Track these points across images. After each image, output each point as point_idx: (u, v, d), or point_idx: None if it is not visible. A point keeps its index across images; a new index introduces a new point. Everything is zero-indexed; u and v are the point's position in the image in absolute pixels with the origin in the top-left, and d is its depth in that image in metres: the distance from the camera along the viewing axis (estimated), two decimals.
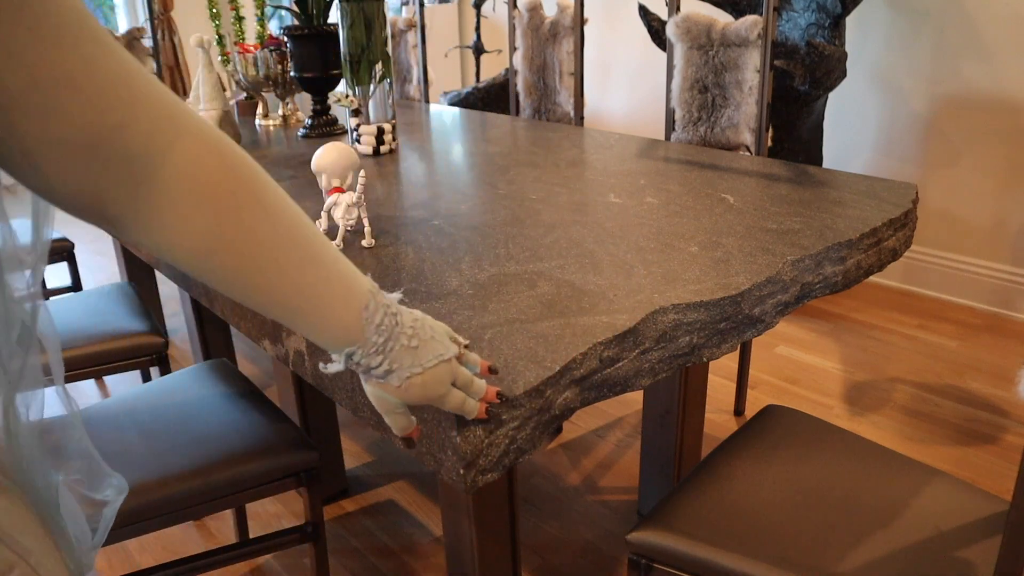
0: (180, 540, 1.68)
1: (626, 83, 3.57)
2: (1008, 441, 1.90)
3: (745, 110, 1.82)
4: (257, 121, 2.14)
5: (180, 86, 4.66)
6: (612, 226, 1.14)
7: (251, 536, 1.65)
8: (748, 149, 1.83)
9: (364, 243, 1.10)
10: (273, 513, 1.76)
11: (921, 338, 2.44)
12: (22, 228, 0.52)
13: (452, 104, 3.24)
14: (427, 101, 2.53)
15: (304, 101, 2.45)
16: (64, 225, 3.45)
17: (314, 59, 1.83)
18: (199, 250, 0.53)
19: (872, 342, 2.42)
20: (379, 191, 1.39)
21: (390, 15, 2.47)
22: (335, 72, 1.86)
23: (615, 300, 0.88)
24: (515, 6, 2.25)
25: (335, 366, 0.62)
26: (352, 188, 1.16)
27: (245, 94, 2.23)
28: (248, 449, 1.18)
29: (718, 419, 2.07)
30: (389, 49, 1.66)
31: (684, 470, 1.65)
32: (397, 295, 0.64)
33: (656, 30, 2.35)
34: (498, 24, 4.01)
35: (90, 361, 1.56)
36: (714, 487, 1.03)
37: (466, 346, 0.70)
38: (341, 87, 1.79)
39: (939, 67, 2.56)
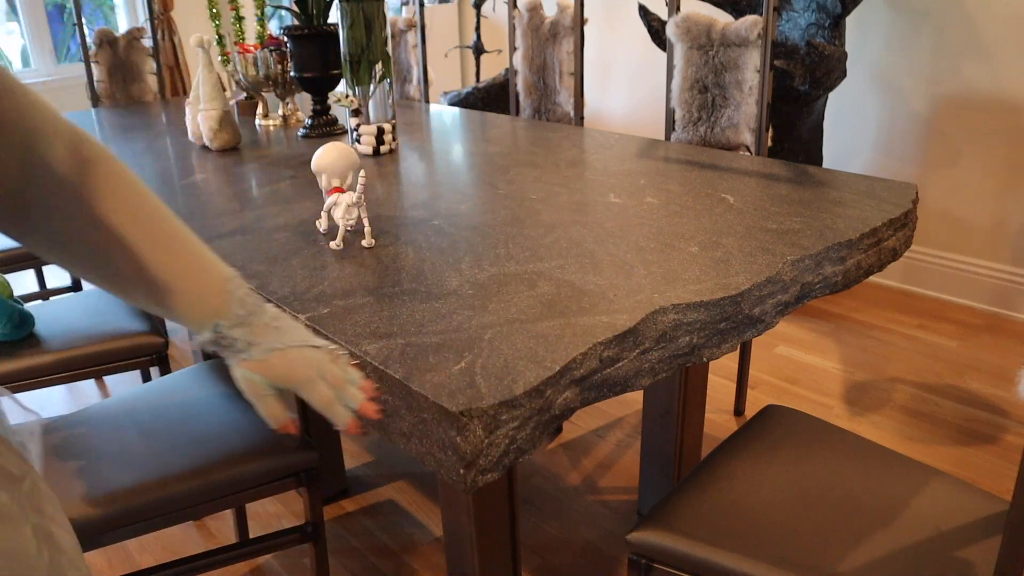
0: (180, 540, 1.68)
1: (626, 83, 3.57)
2: (1008, 441, 1.90)
3: (745, 110, 1.82)
4: (257, 121, 2.14)
5: (180, 86, 4.66)
6: (612, 226, 1.14)
7: (251, 536, 1.65)
8: (748, 149, 1.83)
9: (364, 243, 1.10)
10: (273, 513, 1.76)
11: (921, 338, 2.44)
12: None
13: (452, 104, 3.24)
14: (427, 101, 2.53)
15: (304, 101, 2.45)
16: None
17: (314, 59, 1.83)
18: (63, 239, 0.58)
19: (872, 342, 2.42)
20: (379, 191, 1.39)
21: (390, 15, 2.47)
22: (335, 72, 1.86)
23: (615, 300, 0.88)
24: (515, 6, 2.25)
25: (201, 338, 0.65)
26: (352, 188, 1.16)
27: (245, 94, 2.23)
28: (248, 449, 1.18)
29: (718, 419, 2.06)
30: (389, 49, 1.66)
31: (684, 470, 1.65)
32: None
33: (656, 30, 2.35)
34: (498, 24, 4.01)
35: (90, 361, 1.56)
36: (714, 487, 1.03)
37: (355, 364, 0.73)
38: (341, 87, 1.79)
39: (939, 67, 2.56)
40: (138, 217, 0.60)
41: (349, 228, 1.10)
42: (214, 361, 1.46)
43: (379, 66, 1.63)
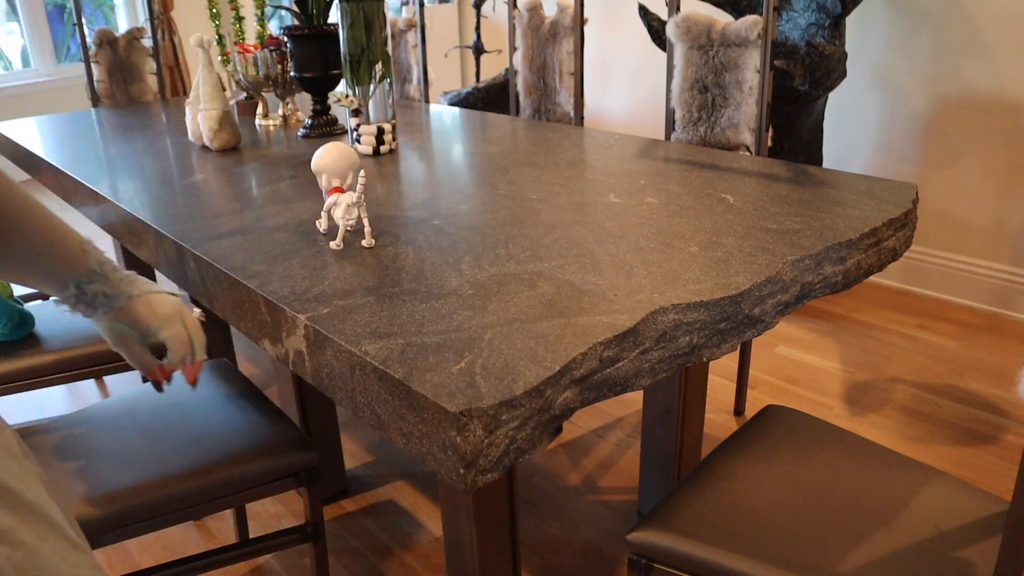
0: (180, 540, 1.68)
1: (626, 83, 3.57)
2: (1008, 441, 1.90)
3: (745, 110, 1.82)
4: (257, 121, 2.14)
5: (180, 86, 4.66)
6: (612, 226, 1.14)
7: (251, 536, 1.65)
8: (748, 149, 1.83)
9: (364, 243, 1.10)
10: (273, 513, 1.76)
11: (921, 338, 2.44)
12: None
13: (452, 104, 3.24)
14: (427, 101, 2.53)
15: (304, 101, 2.45)
16: None
17: (314, 59, 1.83)
18: None
19: (872, 342, 2.42)
20: (379, 191, 1.39)
21: (390, 15, 2.47)
22: (335, 72, 1.86)
23: (615, 300, 0.88)
24: (515, 6, 2.25)
25: (65, 307, 0.73)
26: (352, 188, 1.16)
27: (245, 94, 2.23)
28: (248, 449, 1.18)
29: (718, 419, 2.07)
30: (389, 49, 1.66)
31: (684, 470, 1.65)
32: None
33: (656, 30, 2.35)
34: (498, 24, 4.00)
35: (90, 361, 1.56)
36: (714, 487, 1.03)
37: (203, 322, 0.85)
38: (341, 87, 1.79)
39: (939, 67, 2.56)
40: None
41: (349, 228, 1.10)
42: (215, 361, 1.46)
43: (379, 66, 1.63)
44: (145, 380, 0.78)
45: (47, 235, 0.69)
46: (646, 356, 0.84)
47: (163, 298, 0.76)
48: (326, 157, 1.13)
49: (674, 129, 1.97)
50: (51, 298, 0.81)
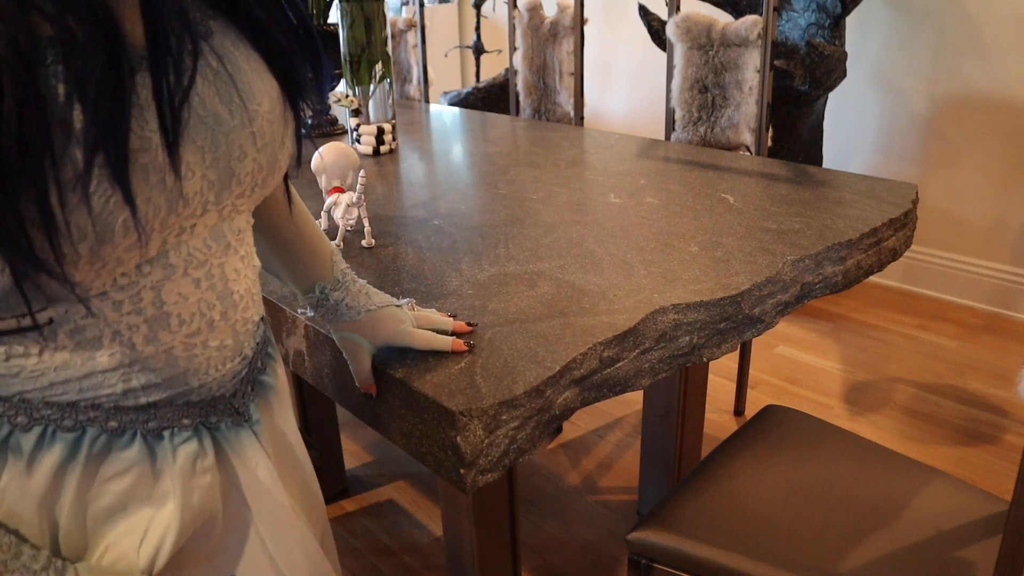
0: None
1: (626, 83, 3.57)
2: (1008, 441, 1.90)
3: (745, 110, 1.82)
4: None
5: None
6: (612, 226, 1.14)
7: None
8: (748, 149, 1.83)
9: (364, 243, 1.10)
10: None
11: (921, 338, 2.44)
12: None
13: (452, 104, 3.24)
14: (427, 101, 2.53)
15: None
16: None
17: None
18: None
19: (872, 342, 2.42)
20: (379, 191, 1.39)
21: (390, 15, 2.47)
22: (335, 72, 1.86)
23: (615, 300, 0.88)
24: (515, 6, 2.25)
25: (308, 308, 0.78)
26: (352, 188, 1.16)
27: None
28: None
29: (718, 419, 2.07)
30: (389, 49, 1.66)
31: (684, 470, 1.65)
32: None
33: (656, 30, 2.35)
34: (498, 24, 4.00)
35: None
36: (714, 487, 1.03)
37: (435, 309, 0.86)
38: (341, 87, 1.79)
39: (939, 67, 2.56)
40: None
41: (349, 228, 1.10)
42: None
43: (379, 66, 1.63)
44: (359, 390, 0.79)
45: (311, 235, 0.76)
46: (646, 356, 0.84)
47: (391, 313, 0.77)
48: (326, 157, 1.13)
49: (674, 129, 1.97)
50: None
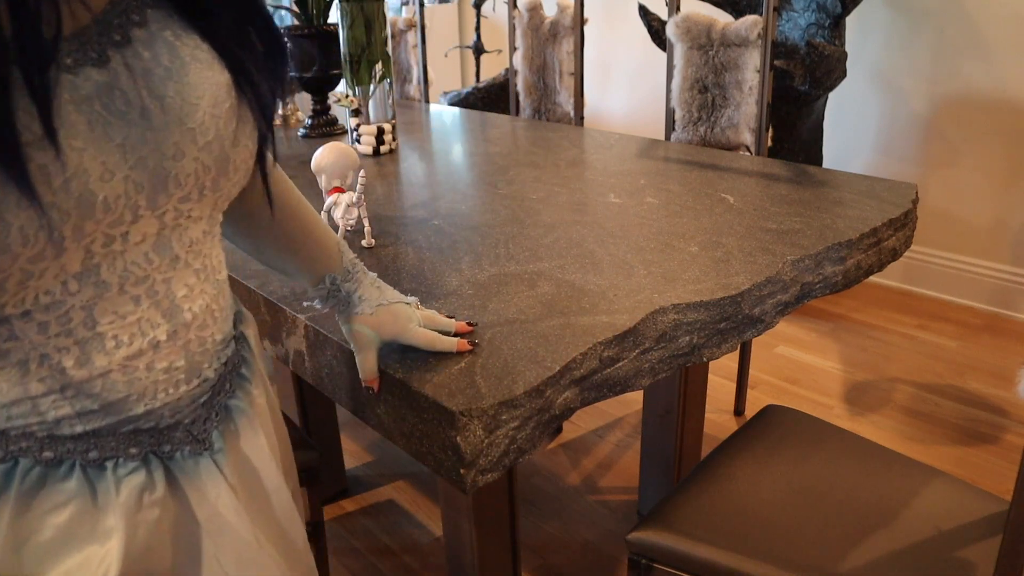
0: None
1: (626, 83, 3.57)
2: (1008, 441, 1.90)
3: (745, 110, 1.82)
4: None
5: None
6: (612, 226, 1.14)
7: None
8: (748, 149, 1.83)
9: (364, 243, 1.09)
10: None
11: (921, 338, 2.44)
12: None
13: (452, 104, 3.24)
14: (427, 101, 2.53)
15: (304, 101, 2.45)
16: None
17: (314, 59, 1.83)
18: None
19: (872, 342, 2.42)
20: (379, 191, 1.39)
21: (390, 15, 2.47)
22: (335, 72, 1.86)
23: (615, 300, 0.88)
24: (515, 6, 2.24)
25: (317, 300, 0.76)
26: (352, 188, 1.16)
27: None
28: None
29: (718, 419, 2.07)
30: (389, 49, 1.66)
31: (684, 470, 1.64)
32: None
33: (656, 30, 2.35)
34: (498, 24, 4.00)
35: None
36: (714, 487, 1.03)
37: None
38: (341, 87, 1.79)
39: (939, 67, 2.56)
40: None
41: (349, 228, 1.10)
42: None
43: (379, 66, 1.63)
44: (362, 384, 0.77)
45: (313, 228, 0.74)
46: (646, 356, 0.84)
47: (401, 310, 0.75)
48: (326, 157, 1.13)
49: (674, 129, 1.97)
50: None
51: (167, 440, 0.56)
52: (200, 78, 0.50)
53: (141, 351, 0.52)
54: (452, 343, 0.77)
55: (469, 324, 0.81)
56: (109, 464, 0.52)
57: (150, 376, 0.53)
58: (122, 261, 0.50)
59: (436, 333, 0.77)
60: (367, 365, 0.75)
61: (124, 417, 0.53)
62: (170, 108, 0.48)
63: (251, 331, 0.69)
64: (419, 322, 0.77)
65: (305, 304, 0.80)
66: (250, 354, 0.67)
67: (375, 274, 0.78)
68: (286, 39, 1.87)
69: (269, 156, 0.61)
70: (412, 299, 0.79)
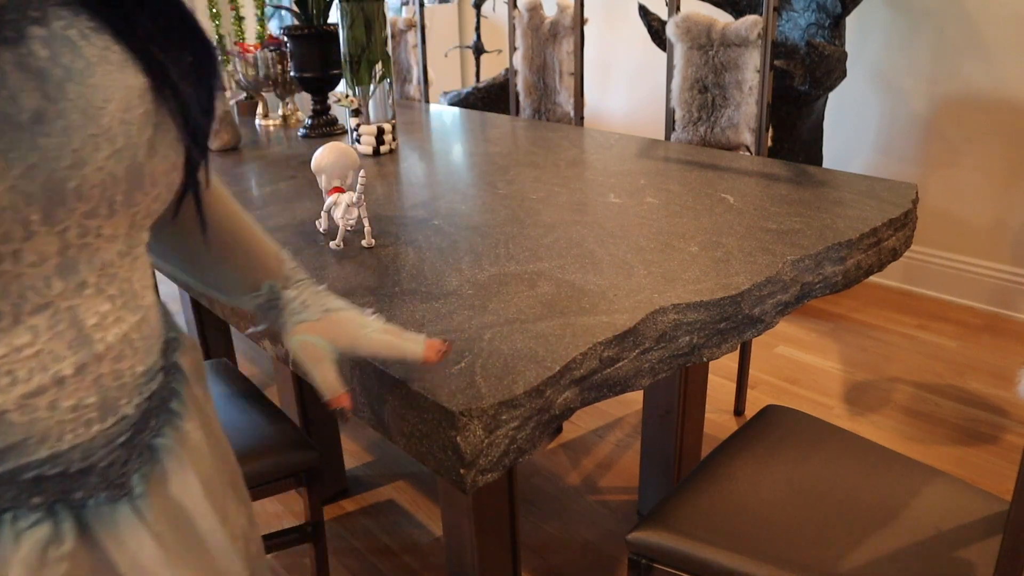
0: None
1: (626, 83, 3.57)
2: (1008, 441, 1.90)
3: (745, 110, 1.82)
4: (257, 121, 2.14)
5: None
6: (612, 226, 1.14)
7: None
8: (748, 149, 1.83)
9: (364, 243, 1.10)
10: (273, 513, 1.76)
11: (921, 338, 2.44)
12: None
13: (452, 104, 3.24)
14: (427, 101, 2.53)
15: (304, 101, 2.45)
16: None
17: (314, 59, 1.83)
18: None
19: (872, 342, 2.42)
20: (379, 191, 1.39)
21: (390, 15, 2.47)
22: (335, 72, 1.86)
23: (615, 300, 0.88)
24: (515, 6, 2.24)
25: (256, 310, 0.70)
26: (352, 188, 1.16)
27: (245, 94, 2.23)
28: (248, 449, 1.18)
29: (718, 419, 2.06)
30: (389, 49, 1.66)
31: (684, 470, 1.65)
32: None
33: (656, 30, 2.35)
34: (498, 24, 4.00)
35: None
36: (714, 487, 1.03)
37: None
38: (341, 87, 1.79)
39: (939, 67, 2.56)
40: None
41: (349, 228, 1.10)
42: (214, 361, 1.45)
43: (379, 66, 1.63)
44: (328, 407, 0.68)
45: (251, 239, 0.68)
46: (646, 356, 0.84)
47: (354, 317, 0.68)
48: (326, 157, 1.13)
49: (674, 129, 1.97)
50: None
51: (79, 486, 0.49)
52: (108, 80, 0.45)
53: (42, 388, 0.46)
54: (419, 346, 0.68)
55: (444, 341, 0.71)
56: (7, 516, 0.46)
57: (54, 416, 0.47)
58: (17, 285, 0.44)
59: (399, 340, 0.69)
60: (328, 379, 0.68)
61: (24, 463, 0.46)
62: (69, 112, 0.43)
63: (187, 359, 0.61)
64: (378, 329, 0.69)
65: (250, 331, 0.74)
66: (184, 385, 0.59)
67: (325, 288, 0.72)
68: (286, 39, 1.87)
69: (205, 177, 0.56)
70: (369, 311, 0.72)
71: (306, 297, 0.69)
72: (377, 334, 0.68)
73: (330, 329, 0.67)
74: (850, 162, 2.86)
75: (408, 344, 0.68)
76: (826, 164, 2.88)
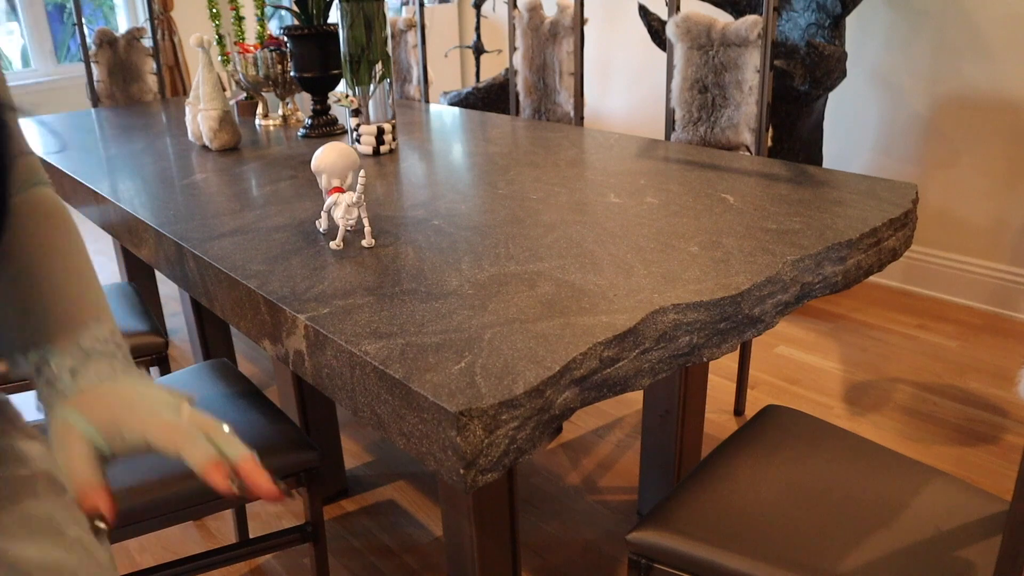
0: (180, 540, 1.68)
1: (626, 83, 3.57)
2: (1008, 441, 1.90)
3: (745, 110, 1.82)
4: (257, 121, 2.14)
5: (180, 86, 4.66)
6: (612, 226, 1.14)
7: (251, 536, 1.65)
8: (748, 149, 1.83)
9: (364, 243, 1.10)
10: (273, 513, 1.76)
11: (921, 338, 2.44)
12: None
13: (452, 104, 3.24)
14: (427, 101, 2.53)
15: (304, 101, 2.45)
16: None
17: (314, 59, 1.83)
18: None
19: (872, 342, 2.42)
20: (379, 191, 1.39)
21: (390, 15, 2.47)
22: (335, 72, 1.86)
23: (615, 300, 0.88)
24: (515, 6, 2.25)
25: (22, 368, 0.54)
26: (352, 188, 1.16)
27: (245, 94, 2.23)
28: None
29: (718, 419, 2.06)
30: (389, 49, 1.66)
31: (684, 470, 1.65)
32: None
33: (656, 30, 2.35)
34: (498, 24, 4.00)
35: None
36: (714, 487, 1.03)
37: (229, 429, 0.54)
38: (341, 87, 1.79)
39: (939, 67, 2.56)
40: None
41: (349, 228, 1.10)
42: (214, 361, 1.46)
43: (379, 66, 1.63)
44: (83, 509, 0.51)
45: (53, 277, 0.55)
46: (646, 356, 0.84)
47: (155, 394, 0.51)
48: (326, 157, 1.13)
49: (674, 129, 1.97)
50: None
51: None
52: None
53: None
54: (207, 456, 0.50)
55: (281, 489, 0.53)
56: None
57: None
58: None
59: (195, 433, 0.51)
60: (76, 468, 0.49)
61: None
62: None
63: None
64: (183, 417, 0.52)
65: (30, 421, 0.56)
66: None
67: (143, 371, 0.55)
68: (286, 39, 1.87)
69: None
70: (188, 396, 0.54)
71: (84, 367, 0.52)
72: (164, 418, 0.51)
73: (94, 404, 0.50)
74: (850, 162, 2.86)
75: (198, 449, 0.51)
76: (826, 164, 2.88)
